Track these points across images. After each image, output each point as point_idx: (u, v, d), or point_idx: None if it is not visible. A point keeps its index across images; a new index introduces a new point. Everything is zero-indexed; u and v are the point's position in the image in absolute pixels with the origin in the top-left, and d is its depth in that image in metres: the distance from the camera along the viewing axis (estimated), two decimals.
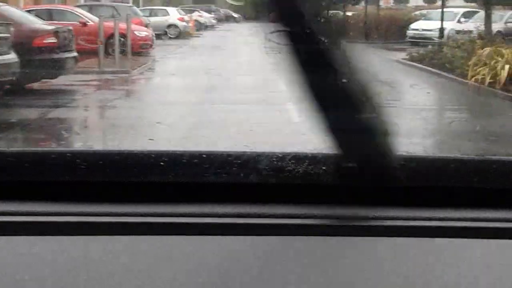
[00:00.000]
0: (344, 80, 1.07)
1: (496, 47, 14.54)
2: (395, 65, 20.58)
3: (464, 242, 1.11)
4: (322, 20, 1.08)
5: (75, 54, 13.97)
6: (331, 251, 1.10)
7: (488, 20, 19.02)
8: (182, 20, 34.70)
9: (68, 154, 1.22)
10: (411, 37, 29.75)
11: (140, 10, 33.06)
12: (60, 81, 13.66)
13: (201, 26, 43.32)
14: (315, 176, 1.18)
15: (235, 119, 9.97)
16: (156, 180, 1.20)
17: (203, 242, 1.09)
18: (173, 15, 34.42)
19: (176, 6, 44.28)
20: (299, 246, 1.09)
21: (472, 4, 32.20)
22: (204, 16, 49.67)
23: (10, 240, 1.09)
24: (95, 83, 14.97)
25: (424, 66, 18.43)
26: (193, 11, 47.72)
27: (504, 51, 13.86)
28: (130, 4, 27.11)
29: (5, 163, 1.20)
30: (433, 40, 26.72)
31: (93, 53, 16.90)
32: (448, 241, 1.11)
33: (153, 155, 1.21)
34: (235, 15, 69.54)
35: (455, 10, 30.01)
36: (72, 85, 13.93)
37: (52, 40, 12.94)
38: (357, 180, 1.16)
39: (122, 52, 19.15)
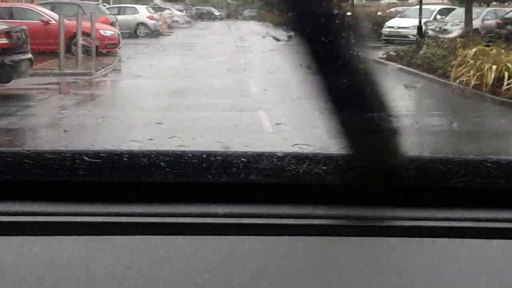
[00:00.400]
0: (358, 80, 1.10)
1: (482, 46, 13.65)
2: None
3: (464, 242, 1.12)
4: (334, 19, 1.09)
5: (29, 56, 13.01)
6: (331, 251, 1.10)
7: (468, 17, 18.26)
8: (151, 18, 34.06)
9: (68, 154, 1.22)
10: (387, 35, 29.31)
11: (109, 8, 32.29)
12: (15, 85, 12.72)
13: (172, 25, 42.63)
14: (315, 176, 1.19)
15: (202, 128, 9.08)
16: (156, 180, 1.20)
17: (203, 242, 1.10)
18: (143, 13, 33.79)
19: (147, 4, 43.61)
20: (299, 246, 1.10)
21: (445, 1, 31.88)
22: (176, 14, 49.01)
23: (10, 240, 1.09)
24: (52, 87, 14.01)
25: (403, 66, 17.67)
26: (164, 9, 47.08)
27: (490, 51, 12.93)
28: (96, 2, 26.09)
29: (5, 163, 1.20)
30: (409, 38, 26.35)
31: (56, 53, 16.05)
32: (448, 241, 1.12)
33: (153, 155, 1.21)
34: (217, 12, 69.19)
35: (431, 7, 29.50)
36: (27, 89, 12.98)
37: (3, 41, 11.97)
38: (365, 180, 1.17)
39: (86, 52, 18.47)
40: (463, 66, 12.88)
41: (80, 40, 17.23)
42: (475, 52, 12.95)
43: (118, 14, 31.55)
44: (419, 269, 1.04)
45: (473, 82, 12.18)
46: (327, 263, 1.06)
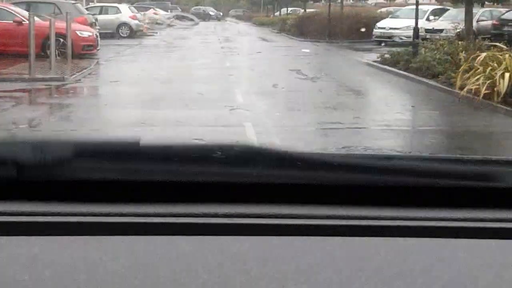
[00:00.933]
0: None
1: (492, 51, 12.45)
2: (366, 68, 18.70)
3: (464, 242, 1.12)
4: None
5: None
6: (331, 251, 1.09)
7: (468, 18, 17.14)
8: (134, 18, 32.89)
9: None
10: (378, 36, 28.40)
11: (90, 7, 31.14)
12: None
13: (156, 25, 41.56)
14: (314, 176, 1.19)
15: None
16: (156, 180, 1.20)
17: (203, 242, 1.10)
18: (125, 13, 32.62)
19: (132, 3, 42.48)
20: (299, 246, 1.10)
21: (433, 1, 31.01)
22: (160, 14, 47.95)
23: (10, 240, 1.09)
24: (17, 94, 12.72)
25: (399, 71, 16.55)
26: (147, 8, 45.99)
27: (501, 56, 11.71)
28: (74, 1, 24.79)
29: (4, 162, 1.19)
30: (402, 39, 25.49)
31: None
32: (448, 241, 1.12)
33: (153, 155, 1.21)
34: (212, 12, 68.21)
35: (423, 7, 28.55)
36: None
37: None
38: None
39: (62, 54, 17.35)
40: (471, 72, 11.70)
41: (54, 42, 16.04)
42: (484, 57, 11.75)
43: (100, 13, 30.42)
44: (419, 269, 1.03)
45: (483, 91, 10.97)
46: (327, 263, 1.04)
